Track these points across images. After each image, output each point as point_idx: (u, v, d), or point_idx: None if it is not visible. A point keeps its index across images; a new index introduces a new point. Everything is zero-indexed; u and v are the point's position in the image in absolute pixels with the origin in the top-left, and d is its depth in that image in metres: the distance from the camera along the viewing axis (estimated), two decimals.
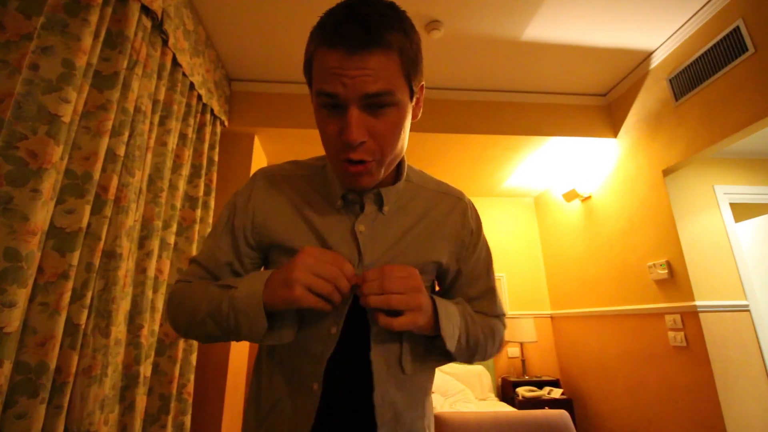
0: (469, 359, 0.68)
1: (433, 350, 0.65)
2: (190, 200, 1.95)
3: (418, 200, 0.70)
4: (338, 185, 0.64)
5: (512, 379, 3.23)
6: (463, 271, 0.72)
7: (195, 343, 1.86)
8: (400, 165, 0.69)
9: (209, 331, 0.60)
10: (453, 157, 3.06)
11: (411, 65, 0.55)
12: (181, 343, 1.75)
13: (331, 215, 0.65)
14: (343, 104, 0.52)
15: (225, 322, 0.57)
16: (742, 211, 3.01)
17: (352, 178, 0.58)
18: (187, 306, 0.62)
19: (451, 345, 0.61)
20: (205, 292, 0.61)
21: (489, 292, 0.75)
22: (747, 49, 1.84)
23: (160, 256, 1.67)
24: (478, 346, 0.67)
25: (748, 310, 2.20)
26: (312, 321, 0.62)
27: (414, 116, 0.62)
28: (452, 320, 0.62)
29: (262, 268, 0.72)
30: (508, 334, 3.38)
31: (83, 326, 1.16)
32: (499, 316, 0.76)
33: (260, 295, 0.55)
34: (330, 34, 0.51)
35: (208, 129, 2.12)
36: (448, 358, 0.66)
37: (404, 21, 0.55)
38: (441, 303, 0.62)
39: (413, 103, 0.60)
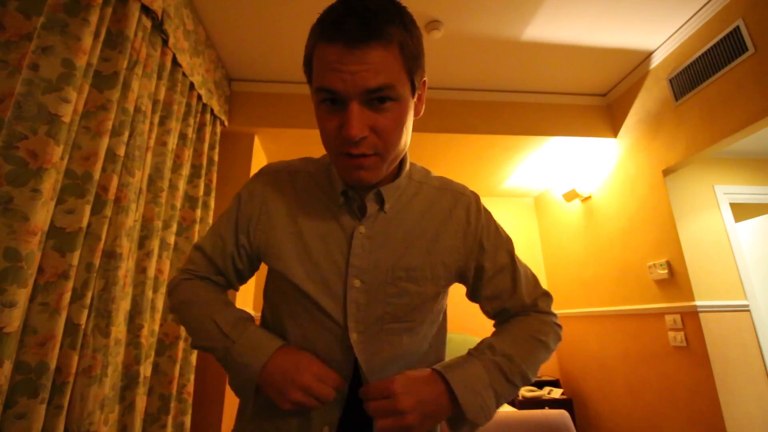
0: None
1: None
2: (190, 200, 1.95)
3: (420, 197, 0.68)
4: (340, 182, 0.63)
5: None
6: (486, 265, 0.68)
7: None
8: (401, 162, 0.67)
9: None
10: (453, 157, 3.05)
11: (412, 60, 0.54)
12: (181, 343, 1.75)
13: (332, 214, 0.65)
14: (344, 99, 0.51)
15: (217, 359, 0.62)
16: (742, 211, 3.01)
17: (352, 172, 0.56)
18: (188, 318, 0.65)
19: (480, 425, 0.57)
20: (205, 319, 0.63)
21: (520, 279, 0.69)
22: (747, 49, 1.84)
23: (160, 256, 1.67)
24: (527, 378, 0.62)
25: (748, 310, 2.20)
26: (300, 414, 0.61)
27: (416, 113, 0.61)
28: (485, 403, 0.56)
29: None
30: None
31: (83, 326, 1.16)
32: (539, 299, 0.70)
33: (255, 377, 0.57)
34: (329, 28, 0.51)
35: (208, 129, 2.12)
36: None
37: (404, 15, 0.54)
38: (464, 388, 0.55)
39: (415, 99, 0.59)
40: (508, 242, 0.72)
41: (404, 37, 0.53)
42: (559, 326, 0.69)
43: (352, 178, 0.57)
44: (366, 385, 0.57)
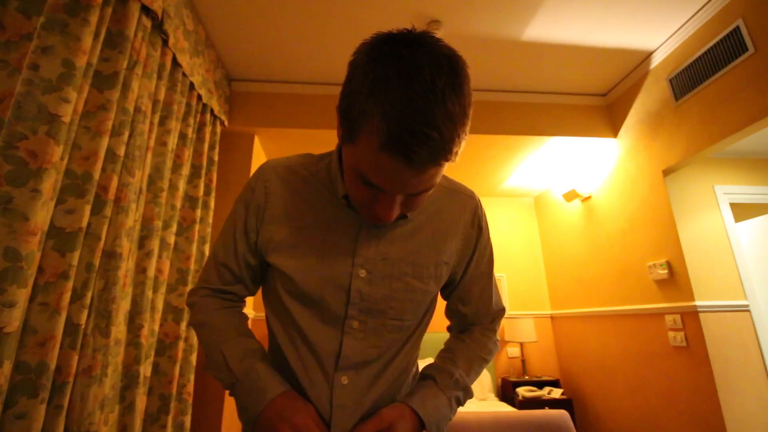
0: None
1: None
2: (190, 200, 1.95)
3: (431, 197, 0.68)
4: (342, 187, 0.63)
5: (512, 379, 3.23)
6: (469, 268, 0.72)
7: (195, 343, 1.86)
8: None
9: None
10: None
11: (456, 155, 0.49)
12: (181, 344, 1.75)
13: (336, 208, 0.65)
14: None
15: (224, 388, 0.63)
16: (742, 211, 3.01)
17: (374, 222, 0.59)
18: (202, 341, 0.67)
19: None
20: (214, 348, 0.63)
21: (491, 289, 0.76)
22: (747, 49, 1.84)
23: (160, 256, 1.67)
24: (471, 397, 0.70)
25: (748, 310, 2.20)
26: None
27: None
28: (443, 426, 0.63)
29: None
30: (508, 334, 3.38)
31: (83, 326, 1.16)
32: (498, 314, 0.77)
33: (253, 420, 0.57)
34: (397, 141, 0.44)
35: (208, 129, 2.12)
36: None
37: (469, 119, 0.48)
38: (434, 427, 0.61)
39: None
40: (491, 252, 0.77)
41: (461, 145, 0.48)
42: (498, 340, 0.79)
43: (372, 223, 0.61)
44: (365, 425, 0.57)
